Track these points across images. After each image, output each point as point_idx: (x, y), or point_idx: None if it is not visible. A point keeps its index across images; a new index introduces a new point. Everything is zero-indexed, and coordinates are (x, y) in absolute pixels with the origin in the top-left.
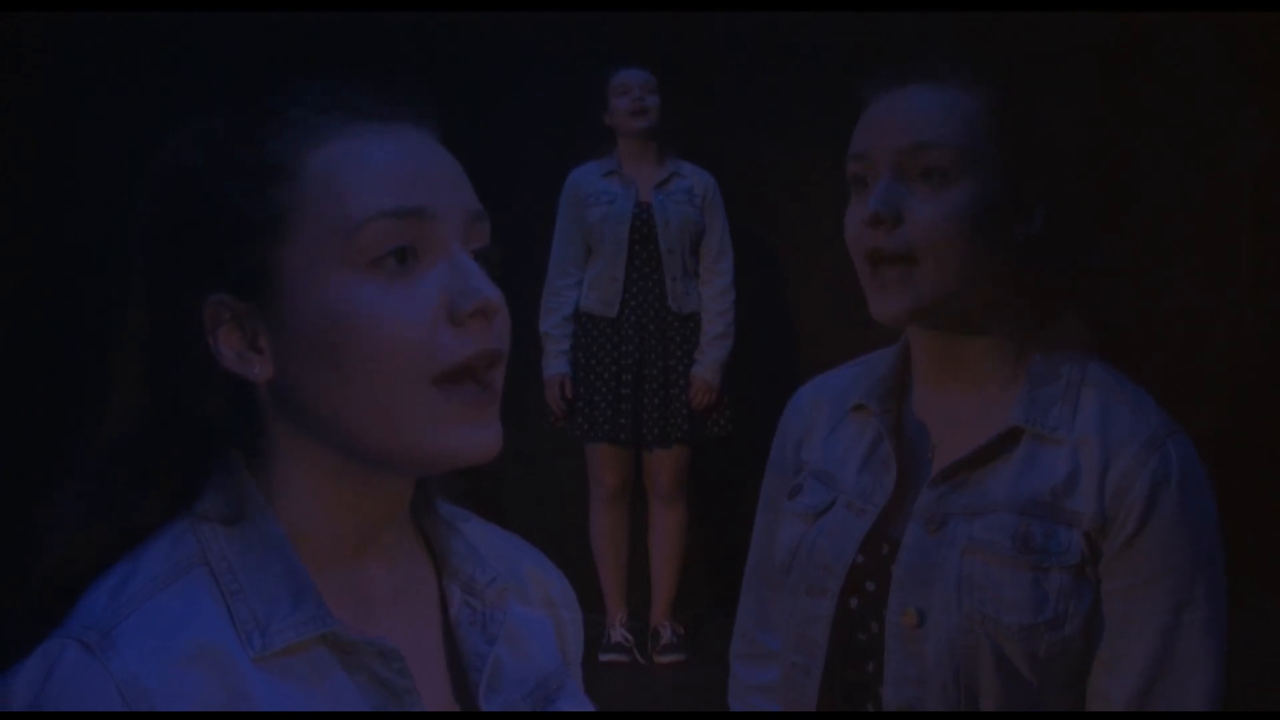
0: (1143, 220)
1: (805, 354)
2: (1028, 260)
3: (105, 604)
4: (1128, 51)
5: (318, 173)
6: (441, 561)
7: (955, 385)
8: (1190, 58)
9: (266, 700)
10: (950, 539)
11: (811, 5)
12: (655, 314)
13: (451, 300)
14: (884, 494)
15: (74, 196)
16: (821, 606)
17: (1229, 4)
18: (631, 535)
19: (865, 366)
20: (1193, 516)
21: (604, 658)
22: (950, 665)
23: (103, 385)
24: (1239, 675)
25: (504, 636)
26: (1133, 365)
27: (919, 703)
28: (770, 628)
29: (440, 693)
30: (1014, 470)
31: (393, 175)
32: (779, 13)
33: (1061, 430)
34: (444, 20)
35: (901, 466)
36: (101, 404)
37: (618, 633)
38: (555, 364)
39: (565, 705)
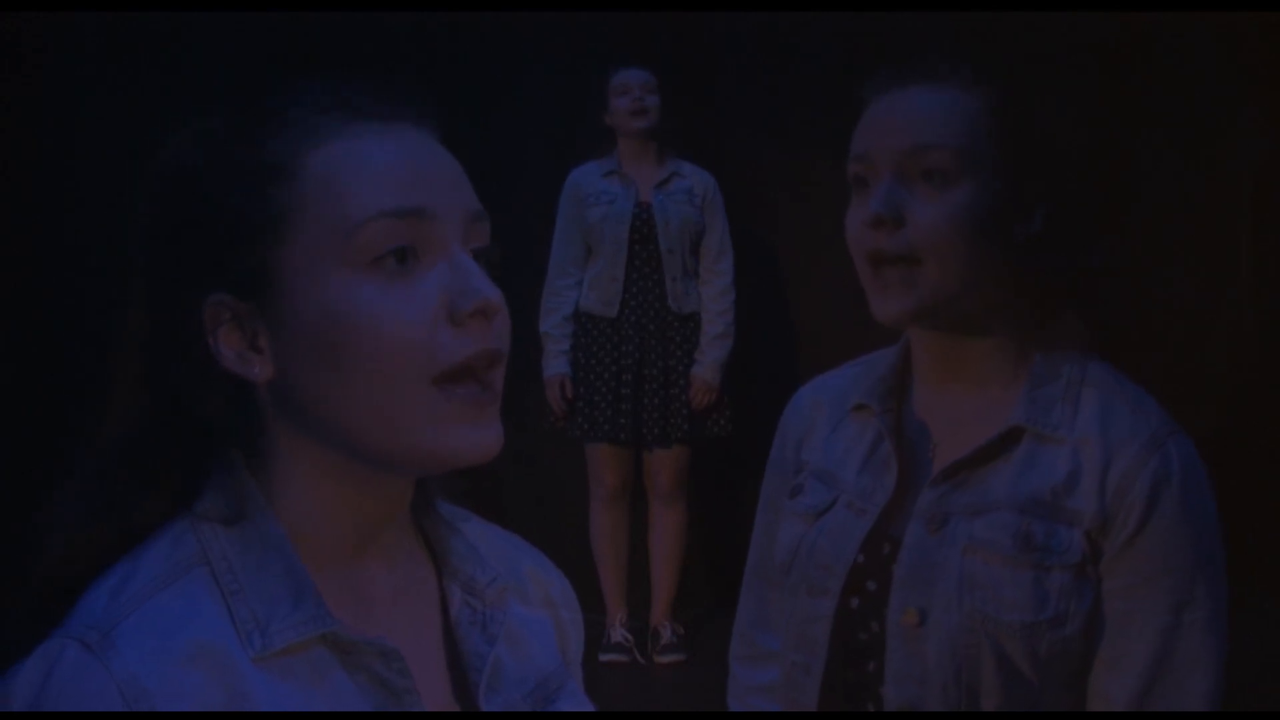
0: (1143, 220)
1: (805, 354)
2: (1028, 260)
3: (105, 604)
4: (1128, 51)
5: (318, 173)
6: (441, 561)
7: (956, 385)
8: (1190, 58)
9: (266, 700)
10: (951, 538)
11: (811, 5)
12: (655, 314)
13: (451, 300)
14: (885, 493)
15: (74, 196)
16: (822, 606)
17: (1229, 4)
18: (631, 535)
19: (865, 366)
20: (1193, 516)
21: (604, 658)
22: (951, 664)
23: (103, 385)
24: (1239, 675)
25: (504, 636)
26: (1133, 365)
27: (920, 702)
28: (770, 628)
29: (440, 693)
30: (1015, 470)
31: (393, 175)
32: (779, 13)
33: (1062, 430)
34: (444, 20)
35: (902, 466)
36: (101, 404)
37: (618, 633)
38: (555, 364)
39: (565, 705)
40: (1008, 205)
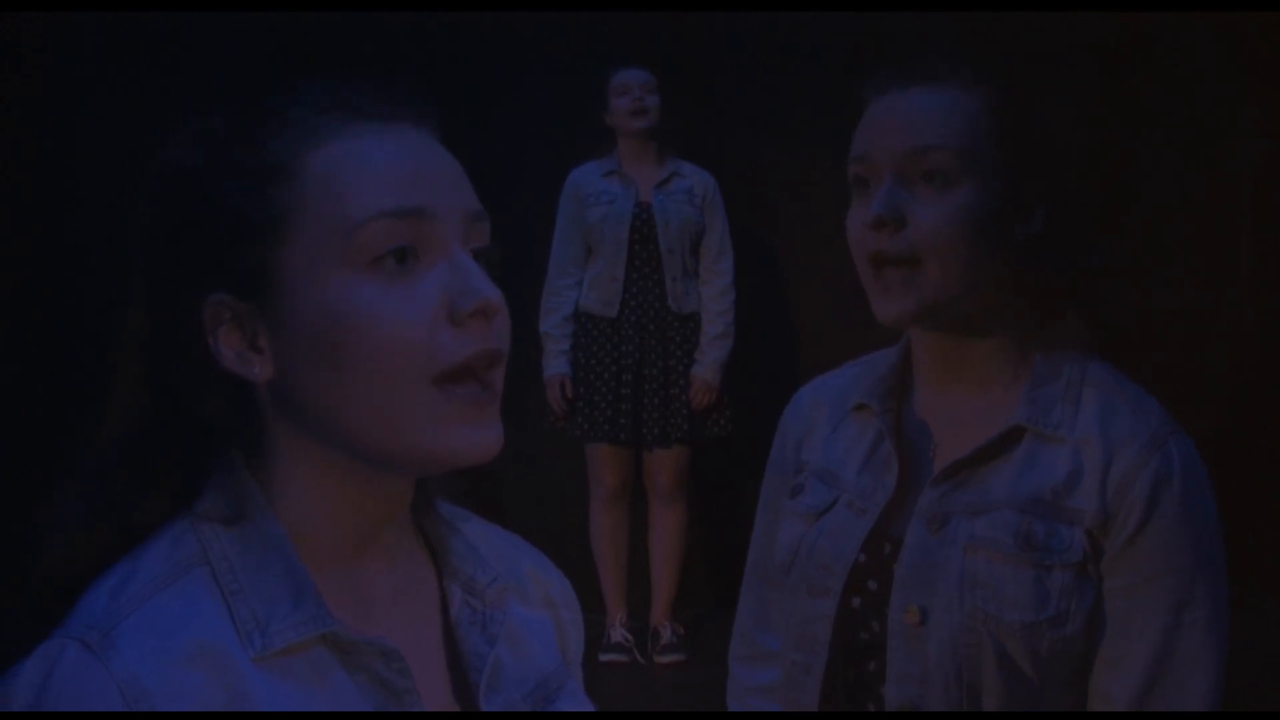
0: (1143, 220)
1: (805, 354)
2: (1028, 261)
3: (105, 604)
4: (1128, 51)
5: (318, 173)
6: (441, 561)
7: (958, 386)
8: (1190, 58)
9: (266, 700)
10: (952, 537)
11: (811, 5)
12: (655, 314)
13: (451, 300)
14: (885, 493)
15: (74, 196)
16: (823, 606)
17: (1229, 4)
18: (631, 535)
19: (865, 366)
20: (1194, 516)
21: (604, 658)
22: (952, 663)
23: (103, 385)
24: (1239, 675)
25: (504, 637)
26: (1133, 365)
27: (921, 701)
28: (770, 628)
29: (440, 693)
30: (1016, 469)
31: (393, 175)
32: (779, 13)
33: (1063, 429)
34: (444, 20)
35: (903, 466)
36: (101, 404)
37: (618, 633)
38: (555, 364)
39: (566, 705)
40: (1008, 205)
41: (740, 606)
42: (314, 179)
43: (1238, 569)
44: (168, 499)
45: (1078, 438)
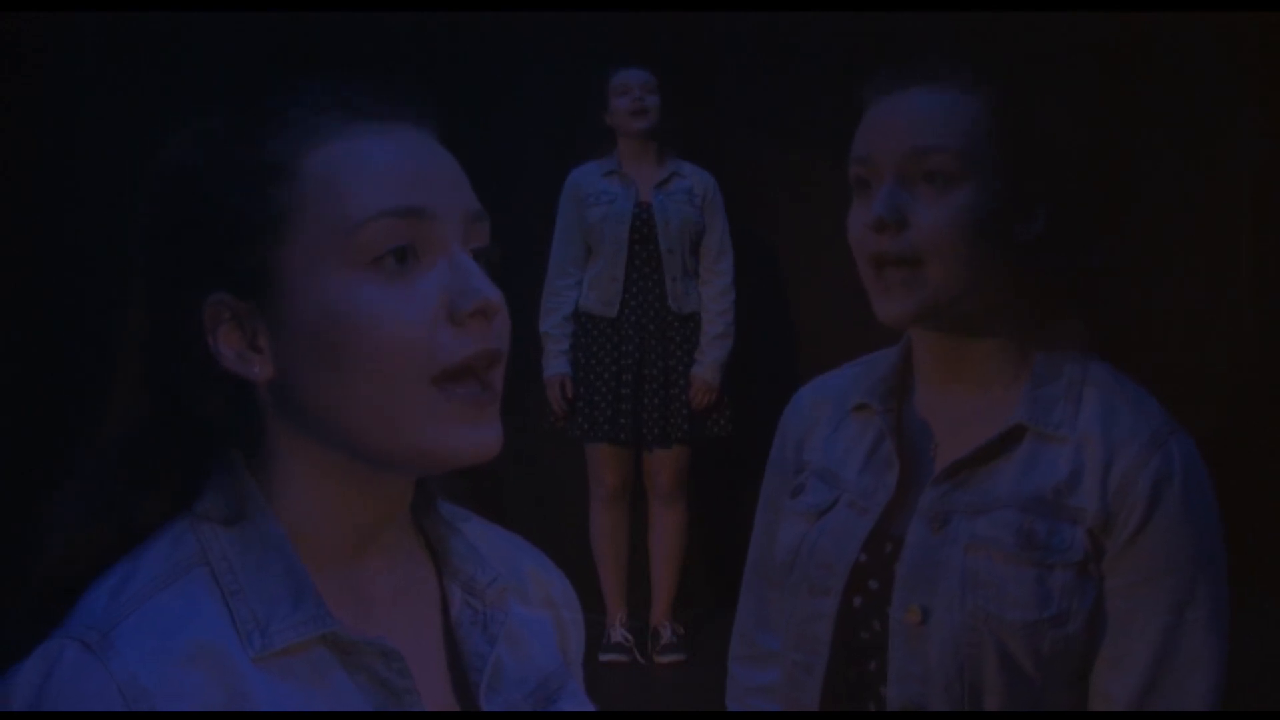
0: (1143, 220)
1: (805, 354)
2: (1029, 261)
3: (105, 604)
4: (1128, 51)
5: (318, 173)
6: (442, 561)
7: (959, 386)
8: (1190, 58)
9: (266, 700)
10: (953, 536)
11: (811, 5)
12: (655, 314)
13: (451, 300)
14: (886, 492)
15: (74, 196)
16: (824, 605)
17: (1229, 4)
18: (631, 535)
19: (866, 366)
20: (1195, 515)
21: (604, 658)
22: (954, 662)
23: (103, 385)
24: (1239, 675)
25: (505, 637)
26: (1133, 365)
27: (922, 700)
28: (770, 628)
29: (440, 693)
30: (1017, 468)
31: (392, 175)
32: (779, 13)
33: (1064, 429)
34: (444, 20)
35: (904, 465)
36: (101, 404)
37: (618, 633)
38: (555, 364)
39: (566, 705)
40: (1009, 205)
41: (740, 606)
42: (314, 179)
43: (1238, 569)
44: (168, 499)
45: (1079, 437)
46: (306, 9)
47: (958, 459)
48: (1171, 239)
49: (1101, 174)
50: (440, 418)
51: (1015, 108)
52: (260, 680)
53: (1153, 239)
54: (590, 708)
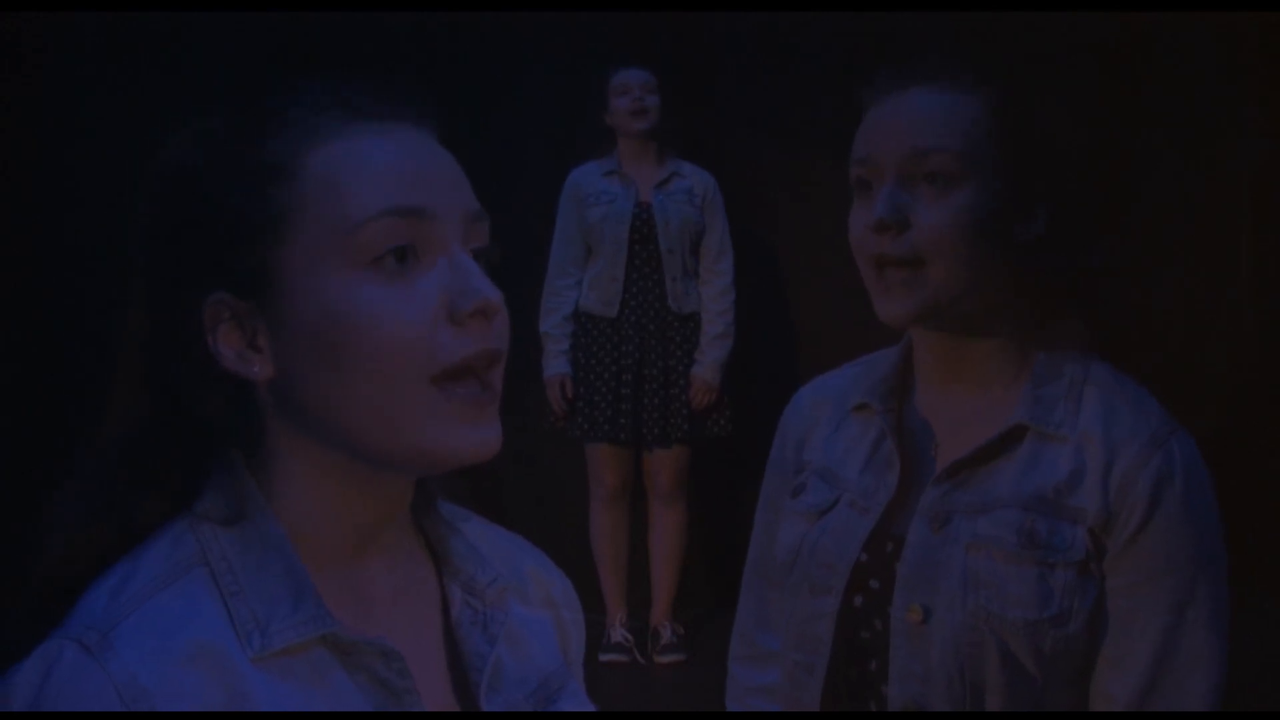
0: (1143, 220)
1: (805, 354)
2: (1029, 261)
3: (105, 604)
4: (1128, 51)
5: (318, 172)
6: (442, 561)
7: (959, 386)
8: (1190, 58)
9: (266, 700)
10: (955, 536)
11: (811, 5)
12: (655, 314)
13: (451, 300)
14: (887, 492)
15: (74, 196)
16: (825, 604)
17: (1229, 4)
18: (631, 535)
19: (866, 366)
20: (1195, 514)
21: (604, 658)
22: (955, 661)
23: (103, 385)
24: (1239, 675)
25: (505, 637)
26: (1133, 365)
27: (923, 699)
28: (770, 628)
29: (441, 693)
30: (1018, 468)
31: (392, 175)
32: (779, 13)
33: (1065, 428)
34: (444, 20)
35: (904, 465)
36: (101, 404)
37: (618, 633)
38: (555, 364)
39: (567, 705)
40: (1009, 205)
41: (740, 606)
42: (314, 179)
43: (1238, 569)
44: (168, 499)
45: (1079, 437)
46: (306, 9)
47: (958, 459)
48: (1171, 239)
49: (1101, 174)
50: (440, 417)
51: (1015, 108)
52: (260, 680)
53: (1153, 239)
54: (590, 708)
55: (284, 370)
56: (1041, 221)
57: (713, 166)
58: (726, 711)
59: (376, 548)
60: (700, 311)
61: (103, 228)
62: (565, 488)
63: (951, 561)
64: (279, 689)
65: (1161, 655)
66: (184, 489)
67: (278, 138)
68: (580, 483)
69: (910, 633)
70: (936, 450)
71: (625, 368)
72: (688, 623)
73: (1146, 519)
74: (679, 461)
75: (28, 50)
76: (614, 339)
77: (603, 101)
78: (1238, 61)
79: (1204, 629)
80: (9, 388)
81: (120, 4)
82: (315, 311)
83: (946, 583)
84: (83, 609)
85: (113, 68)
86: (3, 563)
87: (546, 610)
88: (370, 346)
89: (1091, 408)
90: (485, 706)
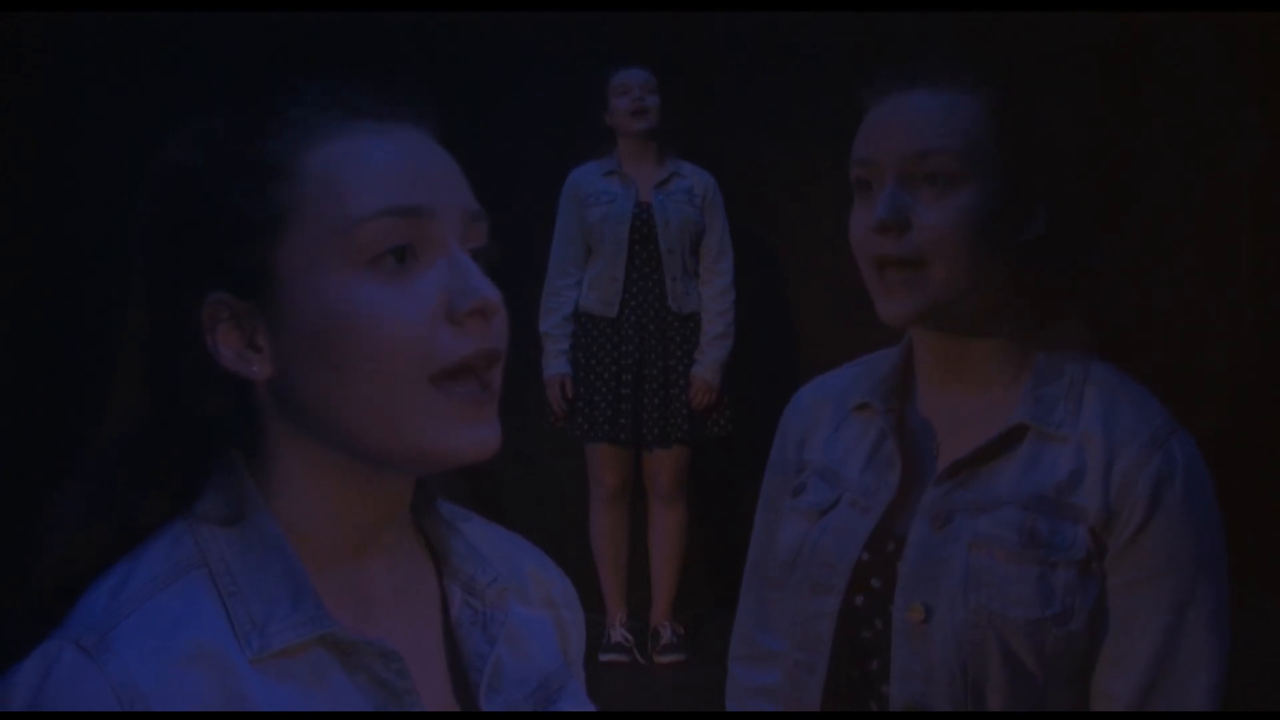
0: (1143, 220)
1: (805, 354)
2: (1029, 261)
3: (104, 604)
4: (1128, 51)
5: (317, 172)
6: (442, 561)
7: (960, 386)
8: (1190, 58)
9: (265, 701)
10: (956, 535)
11: (811, 5)
12: (655, 314)
13: (450, 299)
14: (888, 491)
15: (74, 196)
16: (826, 604)
17: (1229, 4)
18: (631, 535)
19: (866, 366)
20: (1196, 514)
21: (604, 658)
22: (957, 660)
23: (103, 385)
24: (1239, 675)
25: (505, 637)
26: (1133, 365)
27: (924, 698)
28: (770, 628)
29: (440, 693)
30: (1019, 467)
31: (392, 174)
32: (779, 13)
33: (1065, 427)
34: (444, 20)
35: (906, 464)
36: (101, 404)
37: (618, 633)
38: (555, 364)
39: (567, 705)
40: (1010, 205)
41: (740, 607)
42: (313, 178)
43: (1238, 569)
44: (168, 499)
45: (1080, 436)
46: (306, 9)
47: (959, 458)
48: (1171, 239)
49: (1101, 174)
50: (439, 417)
51: (1015, 108)
52: (258, 682)
53: (1153, 239)
54: (591, 708)
55: (283, 370)
56: (1041, 221)
57: (713, 166)
58: (726, 711)
59: (376, 548)
60: (700, 311)
61: (103, 228)
62: (565, 488)
63: (953, 561)
64: (277, 690)
65: (1162, 655)
66: (184, 489)
67: (277, 137)
68: (580, 483)
69: (911, 632)
70: (938, 450)
71: (625, 368)
72: (688, 623)
73: (1147, 518)
74: (679, 461)
75: (28, 50)
76: (614, 339)
77: (603, 101)
78: (1238, 61)
79: (1204, 628)
80: (9, 388)
81: (120, 4)
82: (315, 311)
83: (948, 582)
84: (82, 609)
85: (113, 68)
86: (3, 563)
87: (546, 610)
88: (369, 346)
89: (1092, 407)
90: (485, 706)
